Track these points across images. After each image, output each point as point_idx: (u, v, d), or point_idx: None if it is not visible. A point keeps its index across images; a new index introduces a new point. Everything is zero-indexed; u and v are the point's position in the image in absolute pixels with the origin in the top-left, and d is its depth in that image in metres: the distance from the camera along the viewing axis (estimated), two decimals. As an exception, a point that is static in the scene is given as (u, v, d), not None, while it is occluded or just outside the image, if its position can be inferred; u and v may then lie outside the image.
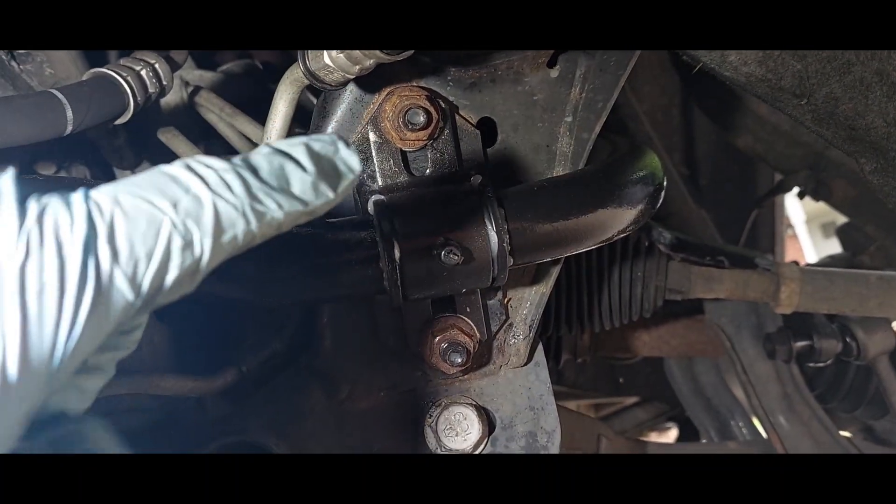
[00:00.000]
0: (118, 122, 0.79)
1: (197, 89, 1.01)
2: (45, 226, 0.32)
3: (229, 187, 0.37)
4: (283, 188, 0.39)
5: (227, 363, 0.73)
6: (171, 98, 0.99)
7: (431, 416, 0.75)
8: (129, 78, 0.78)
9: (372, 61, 0.59)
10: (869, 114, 0.60)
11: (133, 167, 0.97)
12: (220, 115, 0.95)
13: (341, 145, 0.42)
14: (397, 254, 0.62)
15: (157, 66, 0.82)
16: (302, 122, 0.87)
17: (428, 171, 0.71)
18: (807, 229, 5.28)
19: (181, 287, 0.37)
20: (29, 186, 0.34)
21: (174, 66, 0.86)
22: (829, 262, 1.47)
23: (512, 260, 0.66)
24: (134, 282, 0.34)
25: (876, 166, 0.62)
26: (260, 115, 0.81)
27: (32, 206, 0.32)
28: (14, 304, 0.30)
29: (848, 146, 0.62)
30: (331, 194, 0.41)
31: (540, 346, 0.81)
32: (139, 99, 0.79)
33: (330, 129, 0.72)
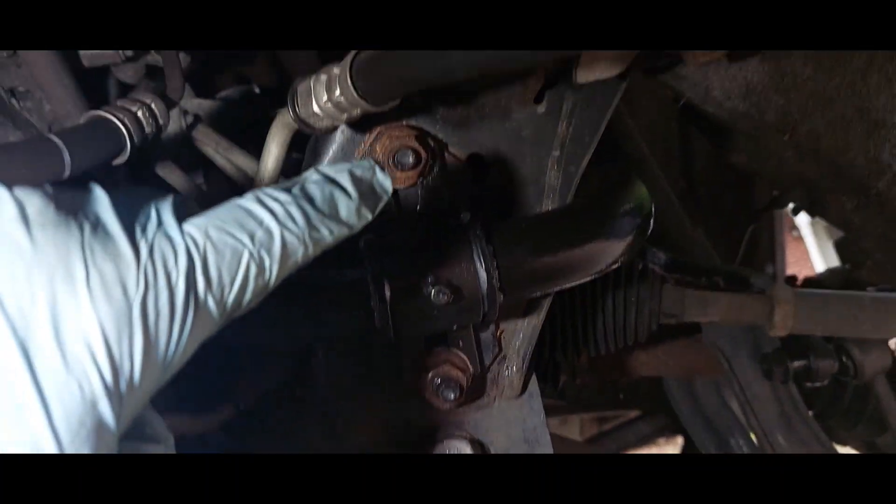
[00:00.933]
0: (116, 162, 0.80)
1: (195, 122, 1.02)
2: (156, 261, 0.39)
3: (293, 219, 0.44)
4: (333, 215, 0.46)
5: (223, 400, 0.74)
6: (170, 128, 1.00)
7: (427, 450, 0.76)
8: (125, 120, 0.79)
9: (358, 111, 0.60)
10: (850, 150, 0.61)
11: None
12: (216, 149, 0.97)
13: (377, 169, 0.49)
14: (388, 293, 0.63)
15: (153, 105, 0.83)
16: (299, 147, 0.88)
17: (418, 208, 0.72)
18: (811, 230, 5.24)
19: (252, 304, 0.44)
20: (123, 213, 0.41)
21: (170, 104, 0.87)
22: (828, 276, 1.47)
23: (502, 296, 0.66)
24: (220, 303, 0.41)
25: (857, 203, 0.62)
26: (259, 140, 0.83)
27: (143, 244, 0.39)
28: (140, 328, 0.38)
29: (831, 183, 0.63)
30: (370, 216, 0.48)
31: (534, 378, 0.82)
32: (136, 140, 0.80)
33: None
